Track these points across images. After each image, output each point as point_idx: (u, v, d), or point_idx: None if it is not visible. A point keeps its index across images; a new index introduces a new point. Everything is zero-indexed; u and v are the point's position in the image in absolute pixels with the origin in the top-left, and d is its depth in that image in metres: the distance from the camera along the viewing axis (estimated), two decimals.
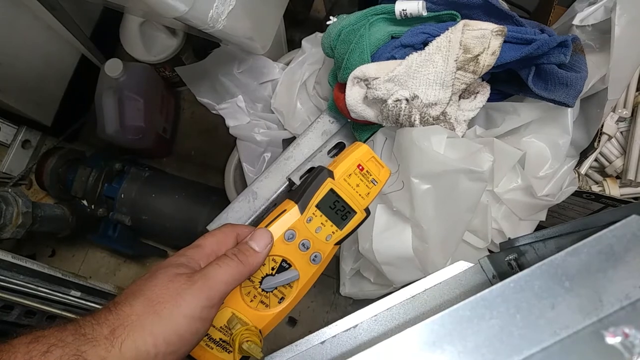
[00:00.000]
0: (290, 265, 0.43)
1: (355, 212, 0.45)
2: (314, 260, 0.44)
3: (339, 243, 0.45)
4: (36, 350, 0.30)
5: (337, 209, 0.44)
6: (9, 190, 0.93)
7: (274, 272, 0.42)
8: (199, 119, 1.31)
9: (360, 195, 0.45)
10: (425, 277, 0.43)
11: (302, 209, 0.43)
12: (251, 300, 0.42)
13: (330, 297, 1.17)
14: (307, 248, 0.43)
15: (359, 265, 0.74)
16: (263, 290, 0.42)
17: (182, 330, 0.34)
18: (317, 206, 0.43)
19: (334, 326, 0.42)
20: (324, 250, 0.44)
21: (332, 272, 1.17)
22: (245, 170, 0.89)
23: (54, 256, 1.25)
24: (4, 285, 0.78)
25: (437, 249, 0.59)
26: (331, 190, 0.44)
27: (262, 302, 0.42)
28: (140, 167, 1.13)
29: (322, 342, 0.41)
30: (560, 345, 0.21)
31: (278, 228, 0.42)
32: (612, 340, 0.19)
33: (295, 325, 1.13)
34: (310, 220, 0.43)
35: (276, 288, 0.43)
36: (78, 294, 0.89)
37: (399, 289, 0.43)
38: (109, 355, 0.31)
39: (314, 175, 0.44)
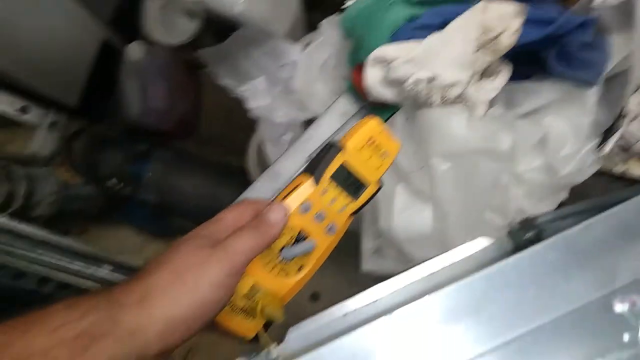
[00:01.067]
0: (307, 237, 0.45)
1: (368, 184, 0.46)
2: (329, 231, 0.45)
3: (353, 214, 0.47)
4: (71, 316, 0.32)
5: (350, 182, 0.45)
6: (40, 169, 0.97)
7: (292, 242, 0.44)
8: (220, 101, 1.32)
9: (372, 167, 0.46)
10: (444, 254, 0.44)
11: (317, 181, 0.44)
12: (272, 269, 0.44)
13: (352, 274, 1.19)
14: (323, 219, 0.44)
15: (379, 242, 0.76)
16: (282, 259, 0.44)
17: (207, 297, 0.36)
18: (331, 178, 0.44)
19: (355, 300, 0.44)
20: (339, 221, 0.45)
21: (352, 250, 1.19)
22: (266, 151, 0.91)
23: (84, 234, 1.30)
24: (39, 260, 0.83)
25: (457, 227, 0.60)
26: (344, 163, 0.45)
27: (282, 270, 0.44)
28: (165, 149, 1.16)
29: (344, 315, 0.43)
30: (571, 316, 0.22)
31: (294, 200, 0.44)
32: (620, 308, 0.20)
33: (318, 301, 1.16)
34: (325, 192, 0.44)
35: (294, 258, 0.44)
36: (110, 268, 0.93)
37: (419, 266, 0.44)
38: (140, 319, 0.33)
39: (326, 149, 0.45)
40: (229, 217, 0.43)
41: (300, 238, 0.44)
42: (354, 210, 0.46)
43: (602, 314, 0.21)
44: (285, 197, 0.44)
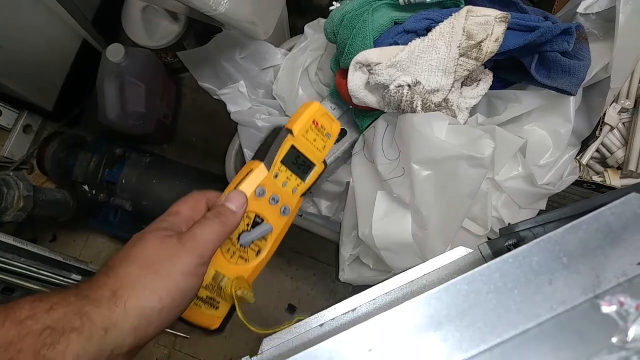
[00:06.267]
0: (263, 220, 0.46)
1: (315, 165, 0.49)
2: (284, 212, 0.47)
3: (303, 195, 0.49)
4: (40, 308, 0.31)
5: (299, 164, 0.48)
6: (11, 174, 0.93)
7: (249, 227, 0.45)
8: (200, 105, 1.30)
9: (317, 149, 0.49)
10: (424, 263, 0.43)
11: (269, 166, 0.45)
12: (231, 257, 0.44)
13: (329, 285, 1.18)
14: (277, 202, 0.46)
15: (358, 251, 0.75)
16: (241, 246, 0.45)
17: (181, 286, 0.36)
18: (282, 162, 0.46)
19: (332, 309, 0.43)
20: (291, 202, 0.48)
21: (331, 261, 1.17)
22: (246, 156, 0.89)
23: (55, 241, 1.26)
24: (6, 268, 0.79)
25: (437, 235, 0.59)
26: (292, 146, 0.47)
27: (241, 257, 0.45)
28: (142, 153, 1.13)
29: (321, 325, 0.42)
30: (557, 320, 0.21)
31: (249, 186, 0.45)
32: (608, 309, 0.19)
33: (295, 313, 1.14)
34: (277, 176, 0.46)
35: (253, 242, 0.45)
36: (79, 277, 0.90)
37: (398, 275, 0.43)
38: (113, 314, 0.32)
39: (275, 134, 0.47)
40: (184, 210, 0.43)
41: (256, 223, 0.45)
42: (304, 190, 0.48)
43: (589, 316, 0.20)
44: (238, 184, 0.45)
